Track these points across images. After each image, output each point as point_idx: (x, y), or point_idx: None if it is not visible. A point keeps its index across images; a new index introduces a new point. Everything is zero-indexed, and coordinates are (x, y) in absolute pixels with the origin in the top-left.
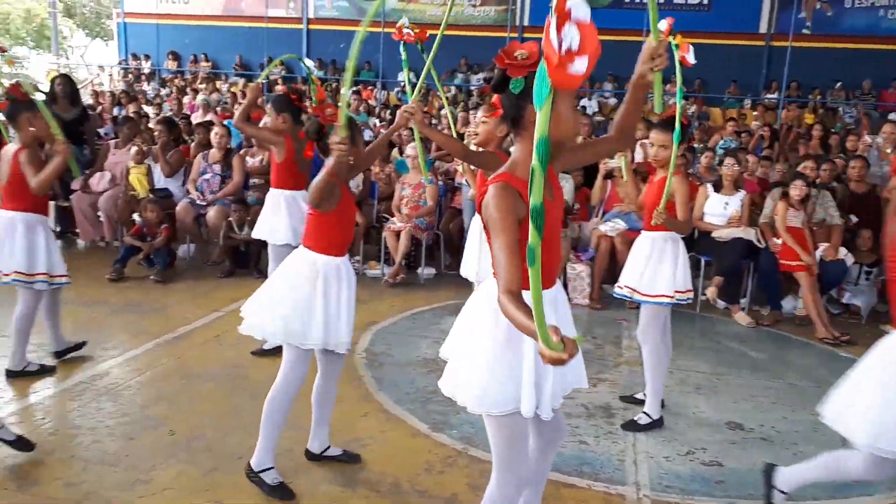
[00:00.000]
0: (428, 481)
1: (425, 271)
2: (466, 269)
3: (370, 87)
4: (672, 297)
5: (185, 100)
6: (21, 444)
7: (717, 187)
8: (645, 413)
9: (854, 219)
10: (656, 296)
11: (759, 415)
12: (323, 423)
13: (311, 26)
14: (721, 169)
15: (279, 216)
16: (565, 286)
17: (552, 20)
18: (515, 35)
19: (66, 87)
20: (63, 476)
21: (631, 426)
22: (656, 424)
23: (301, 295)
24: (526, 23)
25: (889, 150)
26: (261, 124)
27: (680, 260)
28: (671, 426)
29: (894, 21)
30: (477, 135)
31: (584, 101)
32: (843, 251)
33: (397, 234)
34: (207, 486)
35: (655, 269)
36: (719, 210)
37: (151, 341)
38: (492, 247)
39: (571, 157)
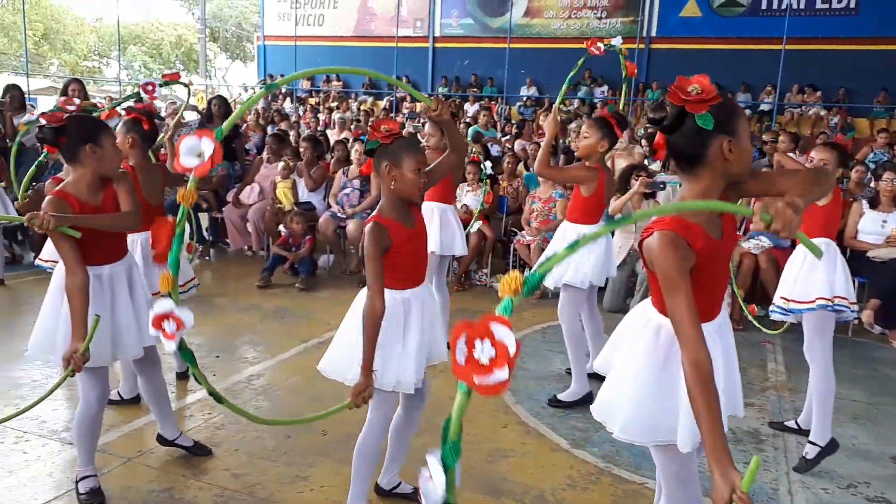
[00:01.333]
0: (572, 496)
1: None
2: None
3: (492, 103)
4: (831, 301)
5: (321, 118)
6: (198, 449)
7: (874, 204)
8: (812, 443)
9: None
10: (811, 301)
11: None
12: (398, 459)
13: (437, 44)
14: (879, 184)
15: (430, 226)
16: None
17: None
18: (643, 46)
19: (221, 107)
20: (231, 467)
21: (802, 465)
22: (830, 450)
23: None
24: (654, 34)
25: None
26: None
27: (838, 265)
28: (826, 464)
29: None
30: (578, 148)
31: None
32: None
33: (528, 246)
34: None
35: (809, 274)
36: (876, 228)
37: (300, 345)
38: (669, 304)
39: (745, 190)
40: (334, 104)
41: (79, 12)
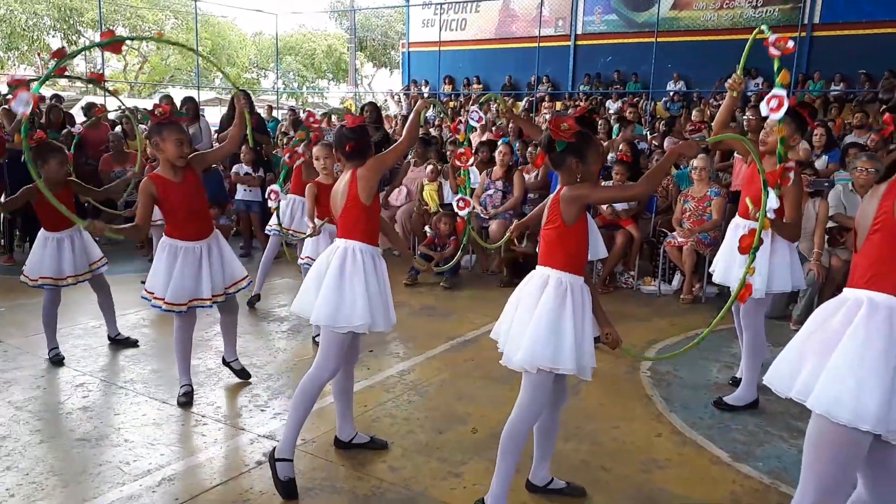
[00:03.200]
0: None
1: (707, 289)
2: (721, 276)
3: (636, 99)
4: None
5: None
6: (375, 444)
7: None
8: None
9: None
10: None
11: None
12: (547, 455)
13: (579, 42)
14: None
15: None
16: None
17: None
18: (804, 34)
19: (372, 113)
20: (387, 460)
21: (720, 403)
22: (751, 406)
23: (551, 315)
24: (816, 20)
25: None
26: None
27: None
28: None
29: None
30: (766, 143)
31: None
32: None
33: (679, 248)
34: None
35: None
36: None
37: (447, 343)
38: None
39: None
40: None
41: (242, 28)
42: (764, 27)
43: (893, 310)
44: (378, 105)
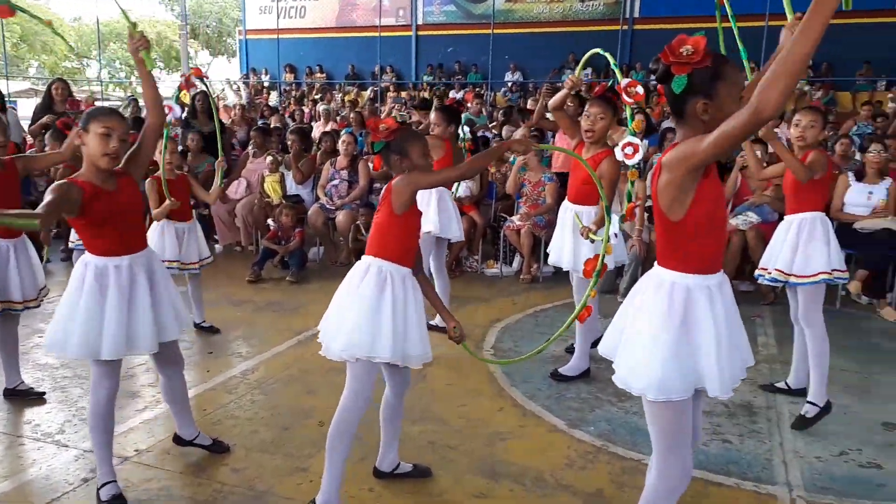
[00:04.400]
0: (570, 476)
1: (544, 269)
2: (556, 256)
3: (478, 89)
4: (831, 275)
5: (305, 110)
6: (217, 447)
7: (860, 176)
8: (811, 402)
9: None
10: (814, 275)
11: None
12: (393, 441)
13: (420, 32)
14: (866, 156)
15: (428, 208)
16: None
17: None
18: (626, 28)
19: (204, 103)
20: (229, 462)
21: (802, 423)
22: (825, 411)
23: (369, 304)
24: (637, 14)
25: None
26: None
27: (831, 239)
28: (819, 425)
29: None
30: (593, 132)
31: None
32: None
33: (518, 232)
34: (359, 474)
35: (806, 248)
36: (862, 200)
37: (295, 337)
38: (727, 130)
39: None
40: (317, 96)
41: (57, 12)
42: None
43: (675, 285)
44: (210, 94)
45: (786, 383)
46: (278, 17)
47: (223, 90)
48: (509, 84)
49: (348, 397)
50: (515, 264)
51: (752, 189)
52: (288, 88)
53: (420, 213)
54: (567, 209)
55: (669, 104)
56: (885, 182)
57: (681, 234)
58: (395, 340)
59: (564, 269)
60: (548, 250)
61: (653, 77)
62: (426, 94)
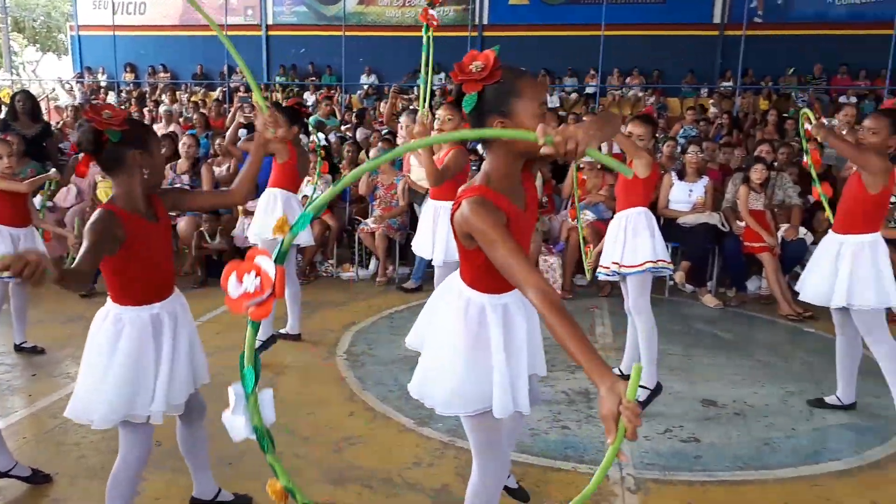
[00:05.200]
0: (418, 474)
1: (400, 271)
2: (420, 247)
3: (332, 92)
4: (656, 264)
5: (146, 112)
6: (38, 477)
7: (681, 175)
8: (642, 386)
9: (812, 199)
10: (640, 265)
11: (730, 391)
12: (202, 469)
13: (271, 32)
14: (685, 157)
15: (274, 213)
16: None
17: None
18: (475, 34)
19: (26, 103)
20: (50, 493)
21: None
22: (656, 392)
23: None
24: (486, 21)
25: (844, 132)
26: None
27: (655, 232)
28: (649, 406)
29: (841, 8)
30: (443, 131)
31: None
32: (802, 230)
33: (372, 234)
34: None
35: (633, 241)
36: (684, 197)
37: None
38: (495, 260)
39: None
40: (163, 97)
41: None
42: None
43: (470, 301)
44: (33, 94)
45: (619, 369)
46: (114, 13)
47: (53, 90)
48: (366, 87)
49: (122, 454)
50: (371, 267)
51: (590, 188)
52: (129, 89)
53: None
54: (431, 204)
55: (473, 127)
56: (702, 180)
57: (476, 259)
58: (158, 389)
59: (428, 259)
60: (412, 244)
61: None
62: (279, 96)
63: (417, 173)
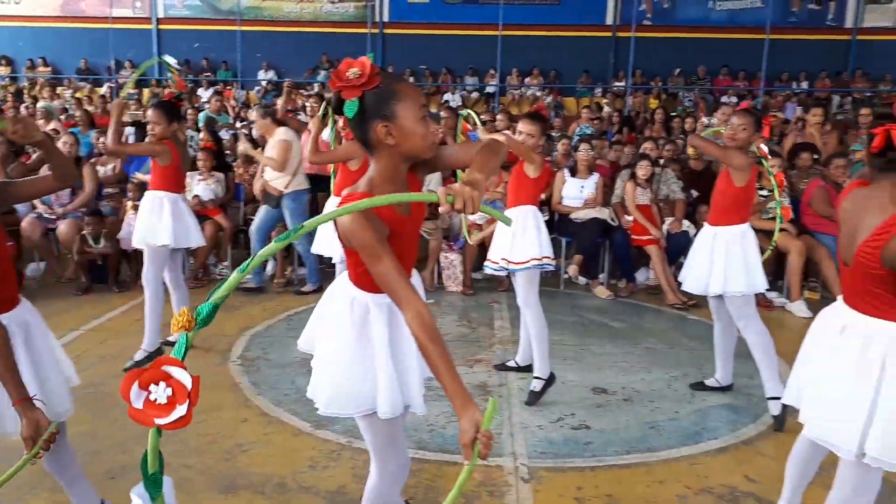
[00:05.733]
0: (313, 477)
1: (299, 272)
2: (320, 245)
3: (228, 87)
4: (541, 261)
5: (23, 109)
6: None
7: (573, 172)
8: (536, 377)
9: (695, 193)
10: (526, 261)
11: (620, 378)
12: (76, 484)
13: (162, 26)
14: (577, 154)
15: (161, 217)
16: (439, 276)
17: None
18: (376, 31)
19: None
20: None
21: (532, 399)
22: (550, 382)
23: None
24: (386, 18)
25: (723, 130)
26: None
27: (542, 230)
28: (543, 397)
29: (722, 12)
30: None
31: (447, 96)
32: (685, 223)
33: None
34: None
35: (521, 238)
36: (576, 193)
37: None
38: (376, 275)
39: (437, 163)
40: (41, 92)
41: None
42: None
43: (355, 301)
44: None
45: (515, 361)
46: None
47: None
48: (263, 83)
49: None
50: (269, 268)
51: (487, 185)
52: (3, 83)
53: None
54: (332, 203)
55: (356, 138)
56: (593, 177)
57: (358, 257)
58: None
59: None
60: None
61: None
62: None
63: (270, 173)
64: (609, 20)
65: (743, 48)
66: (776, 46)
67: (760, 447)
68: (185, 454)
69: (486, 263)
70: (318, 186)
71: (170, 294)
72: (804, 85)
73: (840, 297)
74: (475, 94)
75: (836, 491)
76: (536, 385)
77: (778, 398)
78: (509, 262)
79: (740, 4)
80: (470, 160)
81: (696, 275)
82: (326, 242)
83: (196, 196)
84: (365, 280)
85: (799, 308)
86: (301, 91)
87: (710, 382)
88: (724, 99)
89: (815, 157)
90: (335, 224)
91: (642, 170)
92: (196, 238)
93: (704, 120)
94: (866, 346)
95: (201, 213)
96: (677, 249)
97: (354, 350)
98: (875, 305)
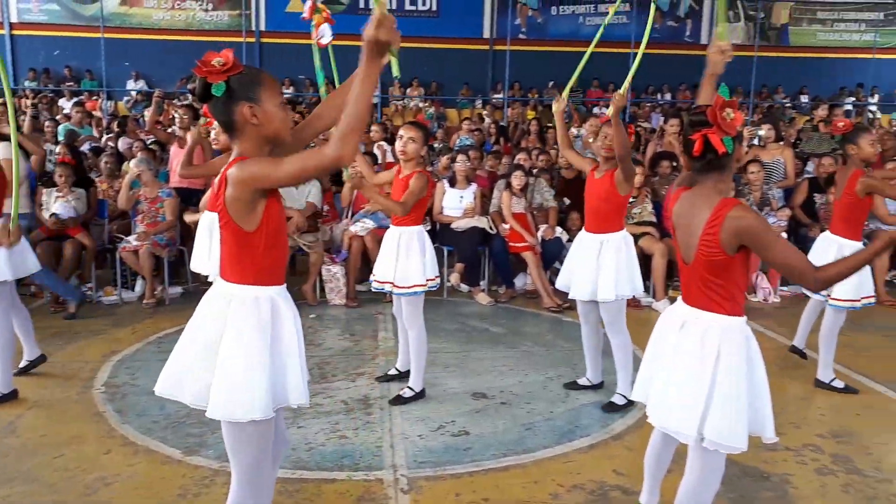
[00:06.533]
0: None
1: (171, 290)
2: (197, 263)
3: (94, 98)
4: (425, 286)
5: None
6: None
7: (453, 182)
8: (409, 388)
9: (567, 201)
10: (412, 287)
11: (499, 382)
12: None
13: (16, 32)
14: (455, 166)
15: None
16: (322, 289)
17: None
18: (252, 40)
19: None
20: None
21: (398, 400)
22: (420, 396)
23: None
24: (263, 27)
25: (591, 140)
26: None
27: (427, 250)
28: (423, 406)
29: (591, 27)
30: (218, 141)
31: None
32: (558, 230)
33: (136, 253)
34: None
35: (406, 263)
36: (456, 203)
37: None
38: (299, 169)
39: (295, 145)
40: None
41: None
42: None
43: (259, 299)
44: None
45: (396, 368)
46: None
47: None
48: (133, 93)
49: None
50: (138, 288)
51: (369, 196)
52: None
53: None
54: (207, 217)
55: (219, 122)
56: (472, 187)
57: (255, 246)
58: None
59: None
60: (194, 267)
61: (286, 91)
62: (30, 102)
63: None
64: (486, 34)
65: (611, 61)
66: (641, 60)
67: (628, 441)
68: (41, 493)
69: (371, 279)
70: (189, 201)
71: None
72: (668, 97)
73: (679, 298)
74: None
75: (687, 475)
76: (407, 392)
77: (624, 396)
78: (395, 285)
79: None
80: (330, 117)
81: (583, 281)
82: (201, 260)
83: (54, 215)
84: (261, 273)
85: (663, 306)
86: (173, 101)
87: (582, 381)
88: (595, 110)
89: (674, 164)
90: (223, 194)
91: (517, 179)
92: (32, 262)
93: (573, 131)
94: (703, 338)
95: (60, 232)
96: (552, 255)
97: (267, 348)
98: (711, 299)
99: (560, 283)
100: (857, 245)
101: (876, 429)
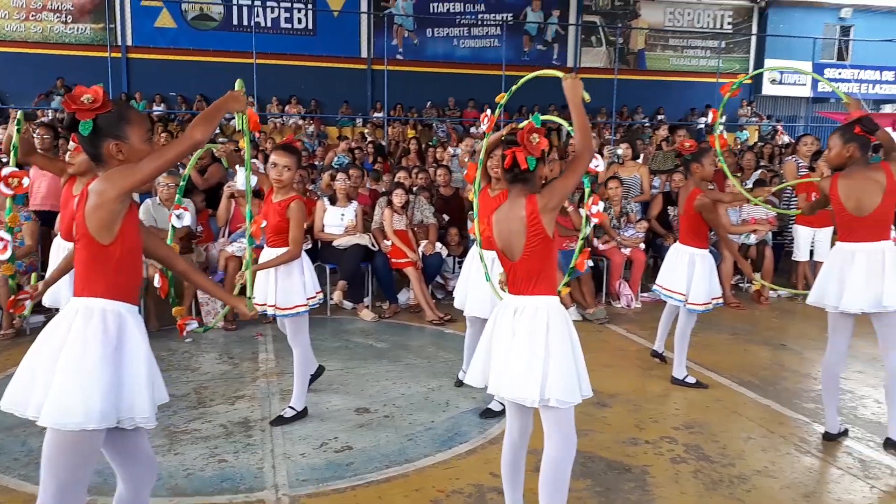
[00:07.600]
0: None
1: (33, 319)
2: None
3: None
4: (307, 305)
5: None
6: None
7: (333, 201)
8: (291, 407)
9: (446, 218)
10: (293, 307)
11: (382, 396)
12: None
13: None
14: (335, 184)
15: None
16: (198, 312)
17: None
18: (119, 55)
19: None
20: None
21: (279, 421)
22: (302, 415)
23: None
24: (129, 42)
25: (466, 159)
26: None
27: (306, 269)
28: (305, 425)
29: (465, 49)
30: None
31: None
32: (438, 246)
33: None
34: None
35: (285, 283)
36: (337, 221)
37: None
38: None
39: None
40: None
41: None
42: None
43: (107, 312)
44: None
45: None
46: None
47: None
48: None
49: None
50: None
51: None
52: None
53: None
54: (57, 246)
55: (86, 153)
56: (353, 205)
57: (109, 259)
58: None
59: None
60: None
61: (156, 108)
62: None
63: None
64: (364, 53)
65: (485, 83)
66: (513, 81)
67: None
68: None
69: (254, 300)
70: (52, 224)
71: None
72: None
73: (506, 293)
74: (233, 122)
75: (547, 447)
76: (288, 412)
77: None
78: (276, 307)
79: (481, 43)
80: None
81: (481, 297)
82: (51, 293)
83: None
84: (114, 288)
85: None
86: (32, 122)
87: (460, 376)
88: (472, 130)
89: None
90: (83, 208)
91: (398, 197)
92: None
93: (450, 150)
94: (533, 316)
95: None
96: (433, 270)
97: (110, 359)
98: (536, 284)
99: (461, 303)
100: (705, 252)
101: (722, 419)
